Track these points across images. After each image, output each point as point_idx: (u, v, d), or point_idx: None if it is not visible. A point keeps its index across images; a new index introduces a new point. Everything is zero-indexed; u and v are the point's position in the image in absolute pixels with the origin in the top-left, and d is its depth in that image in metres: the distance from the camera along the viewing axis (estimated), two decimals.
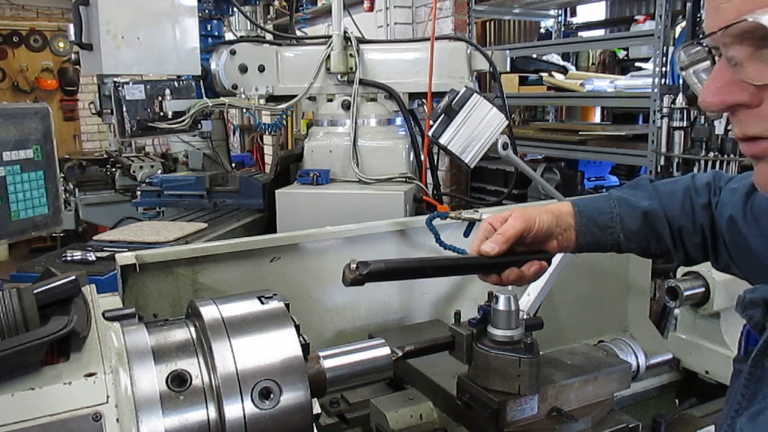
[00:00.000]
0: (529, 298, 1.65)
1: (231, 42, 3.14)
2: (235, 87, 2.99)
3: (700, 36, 0.77)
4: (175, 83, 2.86)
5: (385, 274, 1.12)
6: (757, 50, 0.70)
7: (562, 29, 5.83)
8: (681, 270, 1.85)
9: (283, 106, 2.95)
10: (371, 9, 5.38)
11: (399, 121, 2.97)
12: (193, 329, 0.97)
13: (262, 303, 1.01)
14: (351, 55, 2.86)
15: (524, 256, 1.19)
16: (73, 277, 0.96)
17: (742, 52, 0.72)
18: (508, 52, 3.12)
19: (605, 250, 1.25)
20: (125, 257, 1.55)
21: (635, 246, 1.23)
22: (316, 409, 0.96)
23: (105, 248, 2.66)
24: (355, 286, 1.09)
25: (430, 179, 3.02)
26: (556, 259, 1.64)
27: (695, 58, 0.82)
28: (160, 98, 2.80)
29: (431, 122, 1.85)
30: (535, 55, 5.24)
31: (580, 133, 4.28)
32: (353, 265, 1.08)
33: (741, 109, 0.75)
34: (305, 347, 0.98)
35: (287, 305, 1.01)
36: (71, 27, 2.69)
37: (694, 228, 1.19)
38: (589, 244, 1.23)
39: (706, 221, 1.18)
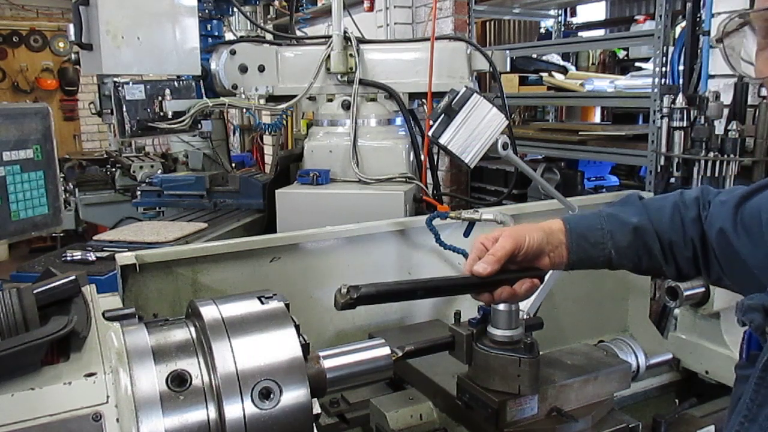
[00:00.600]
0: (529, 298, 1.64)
1: (231, 42, 3.14)
2: (235, 87, 2.99)
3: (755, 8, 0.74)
4: (175, 83, 2.86)
5: (376, 297, 1.14)
6: None
7: (562, 29, 5.83)
8: None
9: (283, 106, 2.95)
10: (371, 9, 5.37)
11: (399, 121, 2.97)
12: (193, 329, 0.97)
13: (262, 303, 1.01)
14: (351, 55, 2.86)
15: (516, 274, 1.20)
16: (73, 277, 0.96)
17: None
18: (508, 52, 3.12)
19: (597, 266, 1.25)
20: (125, 257, 1.55)
21: (626, 261, 1.23)
22: (316, 409, 0.96)
23: (105, 248, 2.66)
24: (347, 310, 1.11)
25: (430, 179, 3.02)
26: None
27: (735, 26, 0.79)
28: (160, 98, 2.80)
29: (431, 122, 1.84)
30: (535, 55, 5.24)
31: (580, 133, 4.28)
32: (344, 290, 1.10)
33: None
34: (305, 347, 0.98)
35: (287, 305, 1.01)
36: (71, 27, 2.69)
37: (685, 242, 1.19)
38: (581, 261, 1.23)
39: (696, 235, 1.19)
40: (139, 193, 3.60)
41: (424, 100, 2.93)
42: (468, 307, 1.66)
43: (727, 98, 2.96)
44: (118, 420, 0.83)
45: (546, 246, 1.20)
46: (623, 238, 1.21)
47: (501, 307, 1.24)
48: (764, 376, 0.81)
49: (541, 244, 1.19)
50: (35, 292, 0.91)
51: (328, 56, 2.87)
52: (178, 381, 0.89)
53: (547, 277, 1.58)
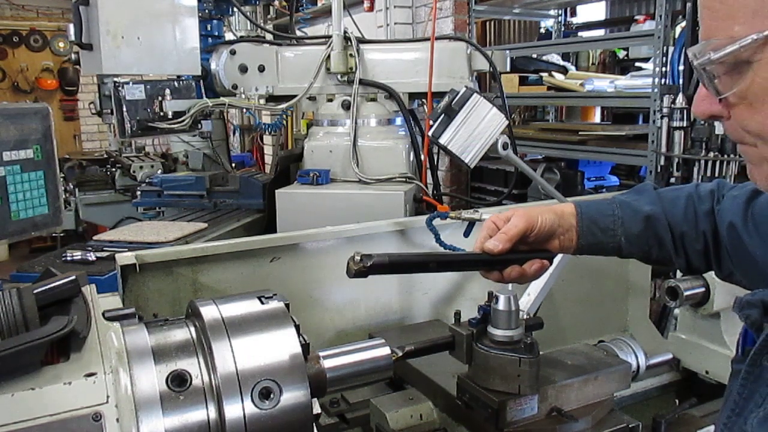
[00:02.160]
0: (529, 298, 1.64)
1: (231, 42, 3.14)
2: (235, 87, 2.99)
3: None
4: (175, 83, 2.86)
5: (388, 267, 1.13)
6: (725, 66, 0.76)
7: (562, 29, 5.82)
8: None
9: (283, 106, 2.95)
10: (371, 9, 5.37)
11: (399, 121, 2.97)
12: (193, 329, 0.97)
13: (262, 303, 1.01)
14: (351, 55, 2.86)
15: (526, 254, 1.20)
16: (73, 277, 0.96)
17: (715, 68, 0.77)
18: (508, 52, 3.12)
19: (606, 253, 1.25)
20: (125, 257, 1.55)
21: (636, 250, 1.23)
22: (316, 409, 0.96)
23: (105, 248, 2.66)
24: (359, 278, 1.11)
25: (430, 179, 3.02)
26: (557, 259, 1.64)
27: None
28: (160, 98, 2.80)
29: (431, 122, 1.84)
30: (535, 55, 5.24)
31: (580, 133, 4.28)
32: (357, 257, 1.09)
33: (721, 119, 0.81)
34: (305, 347, 0.98)
35: (287, 305, 1.01)
36: (71, 27, 2.69)
37: (697, 234, 1.19)
38: (591, 246, 1.23)
39: (709, 228, 1.18)
40: (139, 193, 3.60)
41: (424, 100, 2.93)
42: (468, 307, 1.67)
43: None
44: (118, 420, 0.83)
45: (557, 228, 1.21)
46: (634, 226, 1.21)
47: (501, 307, 1.24)
48: (751, 370, 0.82)
49: (552, 226, 1.20)
50: (35, 292, 0.91)
51: (328, 56, 2.87)
52: (178, 381, 0.89)
53: (547, 275, 1.59)
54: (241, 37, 3.49)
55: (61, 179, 1.58)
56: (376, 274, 1.11)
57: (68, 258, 2.57)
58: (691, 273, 1.57)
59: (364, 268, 1.09)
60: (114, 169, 4.77)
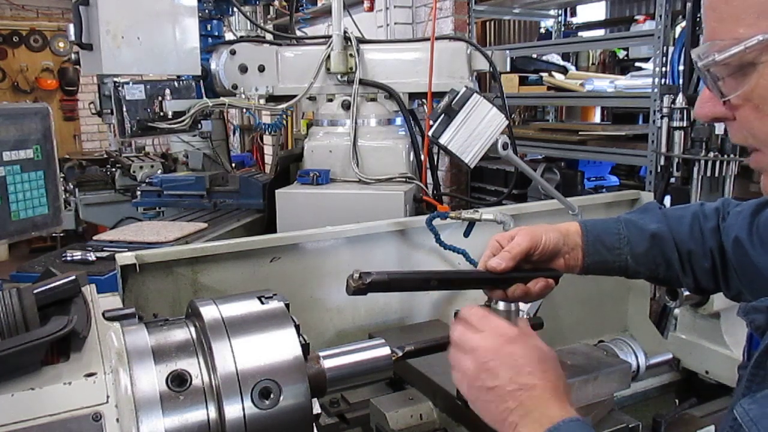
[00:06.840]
0: None
1: (231, 42, 3.14)
2: (235, 87, 2.99)
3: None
4: (175, 83, 2.86)
5: (388, 285, 1.13)
6: (729, 68, 0.76)
7: (562, 29, 5.83)
8: None
9: (283, 106, 2.95)
10: (371, 9, 5.37)
11: (399, 121, 2.97)
12: (193, 329, 0.97)
13: (262, 303, 1.01)
14: (351, 55, 2.86)
15: (531, 273, 1.19)
16: (73, 277, 0.96)
17: (720, 69, 0.77)
18: (508, 52, 3.12)
19: (613, 272, 1.24)
20: (125, 257, 1.55)
21: (643, 269, 1.23)
22: (316, 409, 0.96)
23: (105, 248, 2.66)
24: (358, 296, 1.10)
25: (430, 179, 3.02)
26: None
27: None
28: (160, 98, 2.80)
29: (431, 122, 1.84)
30: (535, 55, 5.24)
31: (580, 133, 4.28)
32: (356, 275, 1.09)
33: (725, 121, 0.82)
34: (305, 347, 0.98)
35: (287, 305, 1.01)
36: (71, 27, 2.69)
37: (704, 252, 1.19)
38: (597, 265, 1.22)
39: (715, 245, 1.18)
40: (139, 193, 3.60)
41: (424, 100, 2.93)
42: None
43: None
44: (118, 420, 0.83)
45: (562, 247, 1.20)
46: (641, 245, 1.21)
47: (501, 306, 1.24)
48: (756, 372, 0.82)
49: (557, 244, 1.19)
50: (35, 292, 0.91)
51: (328, 56, 2.87)
52: (178, 381, 0.89)
53: None
54: (241, 37, 3.49)
55: (61, 179, 1.58)
56: (376, 292, 1.11)
57: (68, 258, 2.57)
58: (700, 293, 1.56)
59: (363, 285, 1.08)
60: (114, 169, 4.77)
